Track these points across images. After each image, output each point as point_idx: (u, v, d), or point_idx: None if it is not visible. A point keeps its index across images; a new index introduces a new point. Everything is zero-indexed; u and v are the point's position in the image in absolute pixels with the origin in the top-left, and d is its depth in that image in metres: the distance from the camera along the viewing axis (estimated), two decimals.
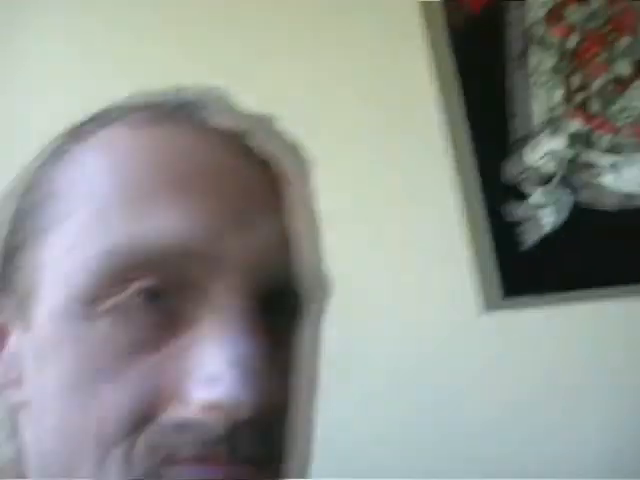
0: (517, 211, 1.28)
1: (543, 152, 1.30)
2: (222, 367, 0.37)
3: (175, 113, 0.44)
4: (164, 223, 0.39)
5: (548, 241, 1.27)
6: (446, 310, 1.24)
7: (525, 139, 1.31)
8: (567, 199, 1.29)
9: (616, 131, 1.30)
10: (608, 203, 1.28)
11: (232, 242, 0.40)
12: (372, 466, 1.13)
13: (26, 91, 1.30)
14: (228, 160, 0.43)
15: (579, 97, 1.31)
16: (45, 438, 0.41)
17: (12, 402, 0.44)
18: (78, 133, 0.45)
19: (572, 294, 1.24)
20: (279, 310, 0.42)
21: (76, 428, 0.39)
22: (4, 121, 1.27)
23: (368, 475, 1.08)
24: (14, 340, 0.44)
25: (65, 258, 0.41)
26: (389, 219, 1.25)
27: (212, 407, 0.37)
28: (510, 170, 1.30)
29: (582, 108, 1.30)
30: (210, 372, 0.38)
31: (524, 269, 1.26)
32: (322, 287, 0.45)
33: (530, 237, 1.27)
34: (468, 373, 1.22)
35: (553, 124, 1.31)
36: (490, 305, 1.24)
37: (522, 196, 1.29)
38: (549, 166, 1.30)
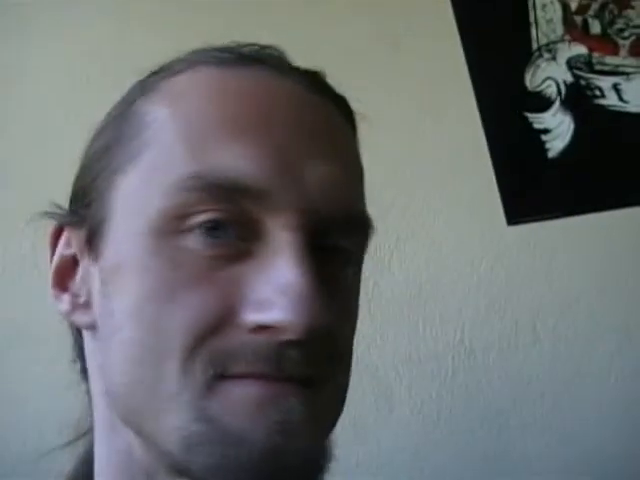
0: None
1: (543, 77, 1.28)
2: (271, 293, 0.41)
3: (255, 57, 0.47)
4: (223, 160, 0.42)
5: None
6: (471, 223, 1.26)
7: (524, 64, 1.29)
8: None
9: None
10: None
11: (290, 180, 0.42)
12: None
13: None
14: (302, 97, 0.46)
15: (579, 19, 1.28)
16: (118, 355, 0.44)
17: (80, 323, 0.48)
18: (145, 86, 0.48)
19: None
20: (335, 246, 0.45)
21: (153, 340, 0.42)
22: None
23: None
24: (83, 269, 0.48)
25: (138, 192, 0.44)
26: (412, 131, 1.26)
27: (260, 328, 0.41)
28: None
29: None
30: (260, 297, 0.41)
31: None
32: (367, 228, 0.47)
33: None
34: (494, 284, 1.24)
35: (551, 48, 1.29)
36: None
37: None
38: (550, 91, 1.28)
